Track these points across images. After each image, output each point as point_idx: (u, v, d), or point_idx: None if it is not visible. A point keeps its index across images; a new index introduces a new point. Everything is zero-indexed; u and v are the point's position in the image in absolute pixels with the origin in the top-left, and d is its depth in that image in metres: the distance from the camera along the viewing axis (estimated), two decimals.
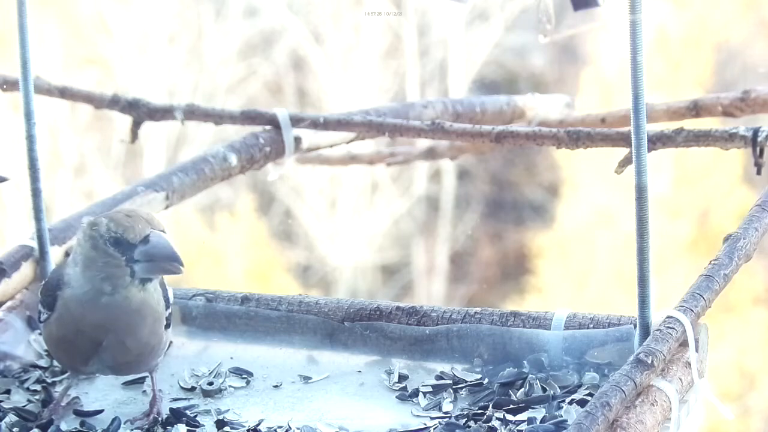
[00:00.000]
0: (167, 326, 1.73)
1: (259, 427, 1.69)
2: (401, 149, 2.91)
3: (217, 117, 2.35)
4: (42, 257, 1.95)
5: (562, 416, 1.65)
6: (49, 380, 1.82)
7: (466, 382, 1.76)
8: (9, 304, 1.92)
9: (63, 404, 1.74)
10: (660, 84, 6.62)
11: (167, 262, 1.65)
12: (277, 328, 1.89)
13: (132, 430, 1.69)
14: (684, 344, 1.63)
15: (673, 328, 1.60)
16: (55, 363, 1.84)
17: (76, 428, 1.70)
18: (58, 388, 1.78)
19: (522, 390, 1.72)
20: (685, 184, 6.98)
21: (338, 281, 7.52)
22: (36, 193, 1.93)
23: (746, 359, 6.61)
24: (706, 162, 6.84)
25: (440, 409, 1.71)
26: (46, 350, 1.87)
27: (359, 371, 1.83)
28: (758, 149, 2.03)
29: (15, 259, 1.95)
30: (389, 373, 1.81)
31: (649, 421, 1.53)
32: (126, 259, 1.65)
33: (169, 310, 1.73)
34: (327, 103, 7.54)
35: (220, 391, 1.79)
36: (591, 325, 1.77)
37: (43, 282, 1.76)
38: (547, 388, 1.72)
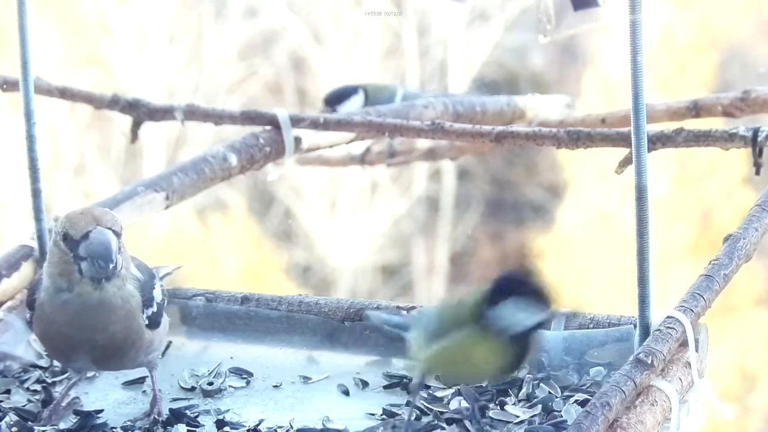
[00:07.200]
0: (152, 325, 1.70)
1: (259, 427, 1.68)
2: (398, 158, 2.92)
3: (217, 117, 2.35)
4: (42, 257, 1.94)
5: (562, 416, 1.65)
6: (49, 380, 1.81)
7: None
8: (9, 304, 1.92)
9: (63, 404, 1.74)
10: (664, 85, 6.61)
11: (98, 259, 1.59)
12: (277, 328, 1.89)
13: (132, 430, 1.69)
14: (684, 344, 1.63)
15: (673, 328, 1.60)
16: (55, 363, 1.84)
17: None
18: (58, 388, 1.78)
19: (522, 390, 1.72)
20: (686, 184, 6.97)
21: (338, 281, 7.51)
22: (36, 193, 1.93)
23: (747, 359, 6.61)
24: (707, 163, 6.84)
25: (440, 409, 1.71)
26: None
27: (359, 371, 1.83)
28: (758, 149, 2.02)
29: (15, 259, 1.95)
30: (389, 373, 1.81)
31: (649, 421, 1.53)
32: (74, 255, 1.62)
33: (152, 309, 1.69)
34: None
35: (220, 391, 1.79)
36: (591, 325, 1.77)
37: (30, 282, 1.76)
38: (547, 388, 1.72)
